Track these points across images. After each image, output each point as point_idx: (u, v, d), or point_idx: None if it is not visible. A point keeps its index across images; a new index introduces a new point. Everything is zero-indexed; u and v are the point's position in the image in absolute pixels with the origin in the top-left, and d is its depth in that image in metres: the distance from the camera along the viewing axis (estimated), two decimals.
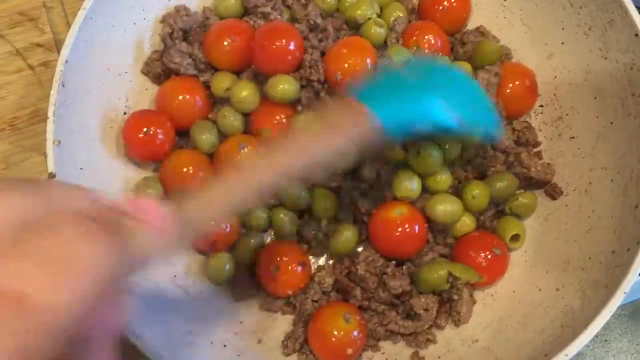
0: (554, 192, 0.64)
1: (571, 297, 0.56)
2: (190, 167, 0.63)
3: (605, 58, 0.62)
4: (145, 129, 0.63)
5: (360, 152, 0.51)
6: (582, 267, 0.58)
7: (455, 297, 0.60)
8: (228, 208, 0.43)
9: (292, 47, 0.64)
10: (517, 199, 0.64)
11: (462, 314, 0.60)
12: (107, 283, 0.30)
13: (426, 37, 0.67)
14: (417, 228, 0.61)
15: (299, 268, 0.61)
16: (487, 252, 0.62)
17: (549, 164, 0.66)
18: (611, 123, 0.61)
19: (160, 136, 0.63)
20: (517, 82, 0.67)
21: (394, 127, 0.49)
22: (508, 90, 0.67)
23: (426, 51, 0.66)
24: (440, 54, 0.67)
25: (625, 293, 0.50)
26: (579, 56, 0.65)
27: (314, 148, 0.46)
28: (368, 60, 0.62)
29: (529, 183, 0.66)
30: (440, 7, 0.70)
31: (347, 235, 0.63)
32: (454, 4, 0.70)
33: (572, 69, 0.66)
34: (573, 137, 0.65)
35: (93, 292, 0.29)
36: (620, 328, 0.73)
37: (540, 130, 0.68)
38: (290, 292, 0.62)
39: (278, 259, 0.61)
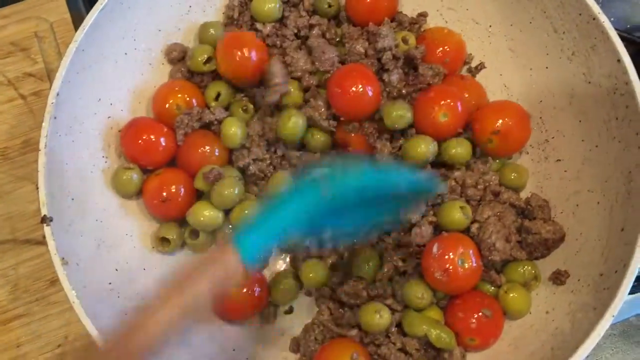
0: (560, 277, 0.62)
1: (561, 320, 0.57)
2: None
3: (589, 82, 0.63)
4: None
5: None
6: (571, 289, 0.59)
7: (446, 356, 0.59)
8: None
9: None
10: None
11: None
12: None
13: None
14: None
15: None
16: (477, 314, 0.60)
17: (552, 220, 0.65)
18: (596, 146, 0.62)
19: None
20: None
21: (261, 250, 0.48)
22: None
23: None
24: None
25: (613, 316, 0.51)
26: (563, 80, 0.66)
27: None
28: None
29: (546, 246, 0.63)
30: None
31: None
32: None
33: (557, 93, 0.67)
34: (559, 160, 0.66)
35: None
36: (610, 347, 0.73)
37: (527, 153, 0.69)
38: None
39: None
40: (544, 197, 0.66)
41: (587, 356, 0.69)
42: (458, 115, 0.66)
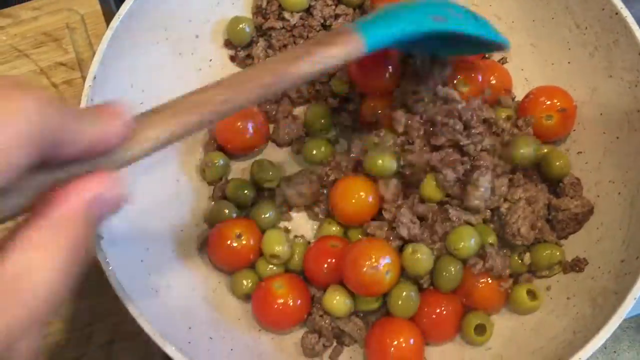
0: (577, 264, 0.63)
1: (582, 305, 0.58)
2: None
3: (611, 76, 0.64)
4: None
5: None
6: (592, 276, 0.60)
7: None
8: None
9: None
10: None
11: None
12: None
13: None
14: None
15: None
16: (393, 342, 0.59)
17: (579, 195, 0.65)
18: (617, 138, 0.64)
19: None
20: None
21: (382, 40, 0.54)
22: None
23: None
24: None
25: (635, 299, 0.52)
26: (584, 75, 0.68)
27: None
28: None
29: (577, 221, 0.64)
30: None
31: None
32: None
33: (578, 87, 0.68)
34: (580, 152, 0.68)
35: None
36: (628, 340, 0.74)
37: None
38: None
39: None
40: None
41: (605, 347, 0.70)
42: (478, 84, 0.67)
